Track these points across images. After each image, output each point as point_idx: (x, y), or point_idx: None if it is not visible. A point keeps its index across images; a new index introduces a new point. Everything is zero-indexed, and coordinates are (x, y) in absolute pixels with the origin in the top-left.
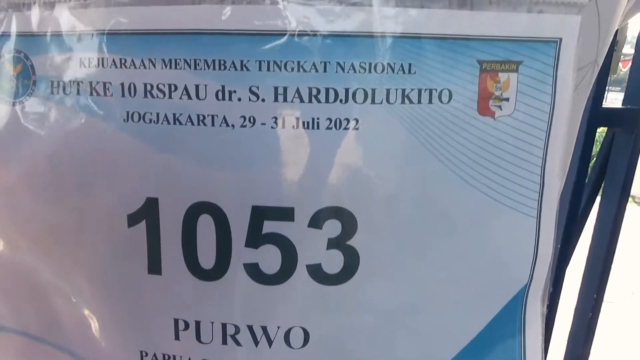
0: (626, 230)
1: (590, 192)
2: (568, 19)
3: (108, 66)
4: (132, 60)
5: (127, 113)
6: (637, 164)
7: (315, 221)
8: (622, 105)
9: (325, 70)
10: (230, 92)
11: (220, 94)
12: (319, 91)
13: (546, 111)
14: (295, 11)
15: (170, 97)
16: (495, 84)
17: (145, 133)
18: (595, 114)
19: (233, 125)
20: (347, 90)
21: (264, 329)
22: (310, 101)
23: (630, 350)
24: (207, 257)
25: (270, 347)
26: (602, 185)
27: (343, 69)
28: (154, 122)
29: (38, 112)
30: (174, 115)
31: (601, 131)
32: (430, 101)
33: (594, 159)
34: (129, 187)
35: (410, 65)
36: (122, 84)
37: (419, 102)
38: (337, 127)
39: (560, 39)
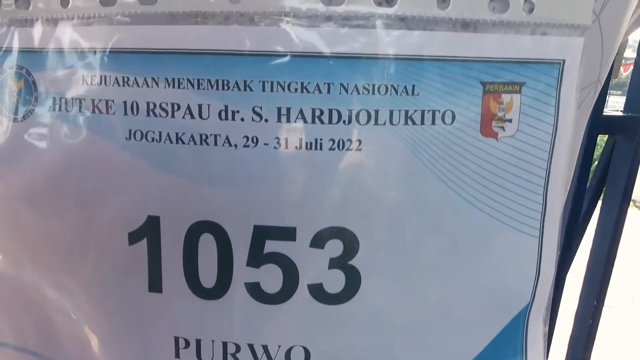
0: (626, 234)
1: (590, 199)
2: (571, 40)
3: (111, 84)
4: (135, 79)
5: (130, 131)
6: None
7: (317, 241)
8: (623, 112)
9: (328, 92)
10: (233, 112)
11: (223, 113)
12: (322, 112)
13: (549, 132)
14: (299, 32)
15: (173, 116)
16: (498, 105)
17: (147, 152)
18: (597, 121)
19: (236, 145)
20: (350, 112)
21: (265, 347)
22: (313, 122)
23: (631, 355)
24: (208, 276)
25: None
26: (603, 192)
27: (347, 90)
28: (157, 140)
29: (40, 129)
30: (177, 134)
31: (602, 135)
32: (433, 122)
33: (595, 161)
34: (130, 205)
35: (413, 86)
36: (125, 102)
37: (422, 123)
38: (340, 148)
39: (564, 61)
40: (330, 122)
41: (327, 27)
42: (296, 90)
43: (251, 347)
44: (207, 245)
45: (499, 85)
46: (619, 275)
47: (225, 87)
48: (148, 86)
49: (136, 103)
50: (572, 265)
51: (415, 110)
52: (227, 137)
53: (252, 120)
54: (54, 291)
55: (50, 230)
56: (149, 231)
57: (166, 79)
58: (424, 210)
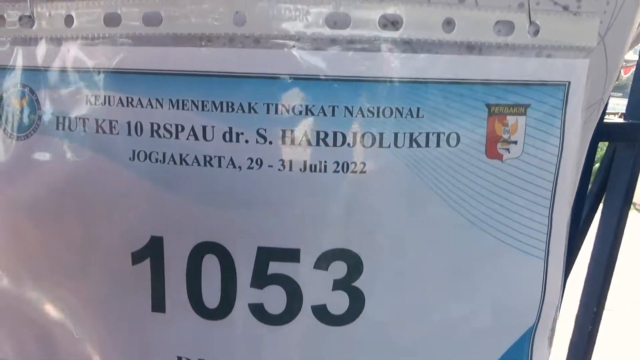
0: (626, 237)
1: (591, 206)
2: (576, 62)
3: (115, 104)
4: (139, 99)
5: (134, 152)
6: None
7: (321, 262)
8: (624, 119)
9: (333, 114)
10: (237, 134)
11: (227, 135)
12: (326, 134)
13: (554, 153)
14: (304, 56)
15: (177, 137)
16: (504, 127)
17: (151, 172)
18: (597, 128)
19: (240, 167)
20: (354, 134)
21: None
22: (317, 144)
23: (630, 358)
24: (211, 296)
25: None
26: (604, 198)
27: (351, 113)
28: (160, 161)
29: (43, 147)
30: (181, 155)
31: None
32: (437, 145)
33: (596, 163)
34: (133, 225)
35: (418, 109)
36: (129, 123)
37: (427, 145)
38: (344, 170)
39: (569, 82)
40: (334, 144)
41: (332, 51)
42: (301, 112)
43: None
44: (211, 266)
45: (504, 107)
46: (618, 278)
47: (230, 109)
48: (152, 107)
49: (140, 123)
50: (572, 269)
51: (419, 133)
52: (231, 159)
53: (257, 142)
54: (56, 309)
55: (53, 249)
56: (152, 251)
57: (170, 100)
58: (428, 231)
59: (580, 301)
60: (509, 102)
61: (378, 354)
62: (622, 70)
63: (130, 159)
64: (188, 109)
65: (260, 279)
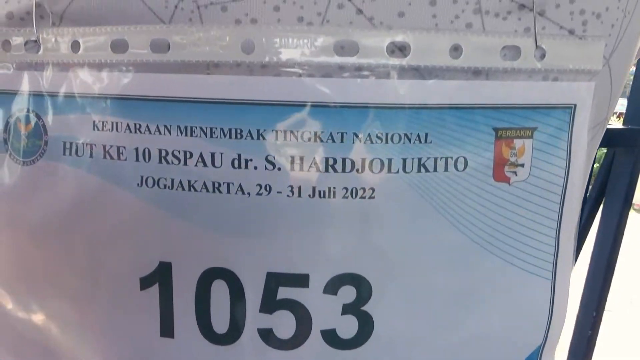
0: (625, 238)
1: (590, 211)
2: (582, 85)
3: (122, 130)
4: (147, 126)
5: (142, 178)
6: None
7: (331, 287)
8: (623, 125)
9: (342, 141)
10: (246, 161)
11: (236, 162)
12: (335, 161)
13: (561, 175)
14: (313, 82)
15: (185, 163)
16: (511, 150)
17: (159, 198)
18: None
19: (249, 193)
20: (363, 160)
21: None
22: (326, 170)
23: (629, 359)
24: (220, 322)
25: None
26: (603, 203)
27: (360, 140)
28: (169, 187)
29: (49, 173)
30: (189, 182)
31: None
32: (446, 169)
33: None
34: (141, 250)
35: (426, 135)
36: (137, 149)
37: (435, 170)
38: (353, 196)
39: (575, 105)
40: (343, 170)
41: (340, 78)
42: (309, 139)
43: None
44: (220, 291)
45: (511, 130)
46: (617, 279)
47: (239, 136)
48: (160, 133)
49: (148, 150)
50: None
51: (428, 158)
52: (240, 185)
53: (265, 168)
54: (62, 334)
55: (60, 274)
56: (160, 277)
57: (178, 127)
58: (436, 255)
59: (580, 305)
60: (515, 125)
61: None
62: None
63: (138, 184)
64: (196, 136)
65: (270, 304)
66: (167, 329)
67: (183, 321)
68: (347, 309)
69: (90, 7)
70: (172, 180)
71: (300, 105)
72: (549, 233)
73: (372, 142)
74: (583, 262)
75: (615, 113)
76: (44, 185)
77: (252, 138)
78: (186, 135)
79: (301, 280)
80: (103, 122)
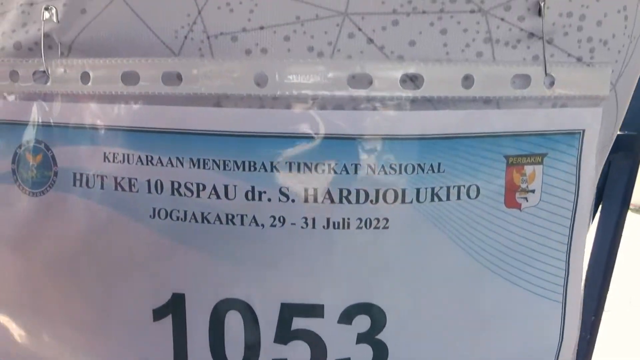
0: (623, 238)
1: None
2: (590, 111)
3: (134, 162)
4: (159, 158)
5: (154, 210)
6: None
7: (345, 317)
8: (620, 130)
9: (356, 172)
10: (260, 193)
11: (249, 194)
12: (349, 192)
13: (570, 200)
14: (327, 115)
15: (198, 195)
16: (522, 176)
17: (172, 230)
18: None
19: (263, 225)
20: (377, 191)
21: None
22: (340, 202)
23: (628, 359)
24: (235, 353)
25: None
26: (600, 209)
27: (374, 171)
28: (182, 219)
29: (59, 204)
30: (202, 214)
31: None
32: (458, 197)
33: None
34: (154, 282)
35: (439, 164)
36: (149, 181)
37: (448, 199)
38: (367, 227)
39: (583, 130)
40: (357, 201)
41: (354, 110)
42: (323, 171)
43: None
44: (234, 323)
45: (521, 157)
46: (615, 278)
47: (252, 168)
48: (172, 165)
49: (160, 182)
50: None
51: (441, 187)
52: (254, 217)
53: (279, 200)
54: None
55: (72, 305)
56: (174, 308)
57: (191, 159)
58: (450, 282)
59: None
60: (526, 152)
61: None
62: None
63: (150, 216)
64: (209, 168)
65: (284, 334)
66: None
67: (196, 353)
68: (361, 338)
69: (99, 37)
70: (185, 212)
71: (313, 138)
72: (559, 257)
73: (385, 173)
74: None
75: None
76: (54, 216)
77: (266, 170)
78: (199, 167)
79: (316, 311)
80: (114, 154)
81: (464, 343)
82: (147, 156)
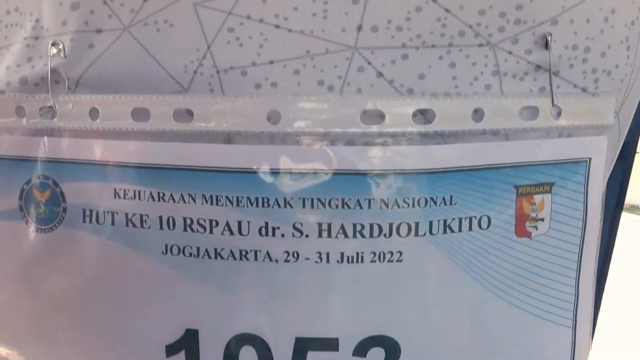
0: (619, 239)
1: None
2: (596, 139)
3: (145, 199)
4: (171, 195)
5: (166, 246)
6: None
7: (360, 349)
8: None
9: (369, 207)
10: (273, 229)
11: (263, 230)
12: (363, 227)
13: (579, 226)
14: (340, 151)
15: (211, 232)
16: (531, 206)
17: (185, 266)
18: None
19: (276, 260)
20: (391, 225)
21: None
22: (354, 236)
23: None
24: None
25: None
26: None
27: (387, 205)
28: (194, 255)
29: (68, 240)
30: (215, 250)
31: None
32: (470, 228)
33: None
34: (167, 318)
35: (451, 197)
36: (161, 217)
37: (460, 230)
38: (381, 260)
39: (590, 159)
40: (371, 236)
41: (366, 146)
42: (337, 206)
43: None
44: (248, 358)
45: (531, 187)
46: (610, 279)
47: (266, 204)
48: (185, 202)
49: (172, 218)
50: None
51: (453, 219)
52: (267, 253)
53: (293, 235)
54: None
55: (84, 340)
56: (187, 344)
57: (204, 196)
58: (462, 311)
59: None
60: (535, 182)
61: None
62: None
63: (162, 252)
64: (222, 205)
65: None
66: None
67: None
68: None
69: (107, 72)
70: (198, 249)
71: (325, 173)
72: (569, 282)
73: (398, 207)
74: None
75: None
76: (64, 253)
77: (279, 206)
78: (211, 204)
79: (330, 344)
80: (125, 190)
81: None
82: (158, 193)
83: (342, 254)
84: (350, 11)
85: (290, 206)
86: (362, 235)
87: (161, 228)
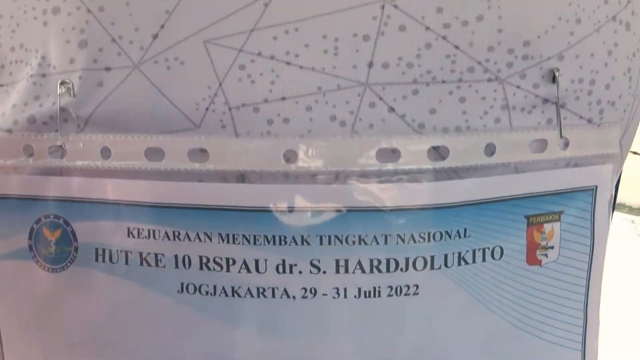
0: (616, 242)
1: None
2: (601, 168)
3: (160, 238)
4: (187, 234)
5: (182, 284)
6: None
7: None
8: None
9: (386, 242)
10: (291, 266)
11: (280, 267)
12: (379, 262)
13: (586, 252)
14: (356, 189)
15: (228, 270)
16: (541, 234)
17: (201, 304)
18: None
19: (294, 297)
20: (407, 260)
21: None
22: (371, 272)
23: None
24: None
25: None
26: None
27: (403, 240)
28: (211, 294)
29: (81, 280)
30: (233, 288)
31: None
32: (483, 259)
33: None
34: (183, 356)
35: (465, 230)
36: (176, 256)
37: (474, 262)
38: (398, 294)
39: (596, 187)
40: (387, 270)
41: (382, 183)
42: (354, 242)
43: None
44: None
45: (540, 216)
46: (605, 281)
47: (283, 242)
48: (200, 241)
49: (188, 257)
50: None
51: (467, 251)
52: (285, 290)
53: (310, 272)
54: None
55: None
56: None
57: (220, 234)
58: (476, 341)
59: None
60: (544, 211)
61: None
62: None
63: (178, 291)
64: (239, 243)
65: None
66: None
67: None
68: None
69: (117, 110)
70: (215, 287)
71: (343, 211)
72: (577, 307)
73: (415, 242)
74: None
75: None
76: (76, 293)
77: (297, 244)
78: (228, 242)
79: None
80: (139, 230)
81: None
82: (174, 232)
83: (359, 289)
84: (361, 48)
85: (308, 243)
86: (379, 270)
87: (177, 267)
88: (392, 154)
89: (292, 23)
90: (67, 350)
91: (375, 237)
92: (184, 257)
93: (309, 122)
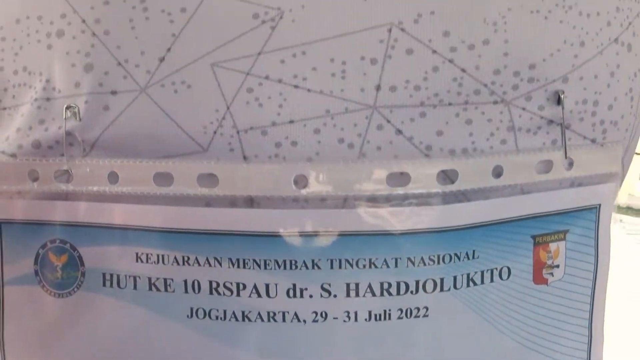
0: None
1: None
2: (605, 187)
3: (169, 263)
4: (197, 258)
5: (191, 309)
6: None
7: None
8: None
9: (396, 266)
10: (301, 290)
11: (291, 291)
12: (390, 285)
13: (591, 270)
14: (366, 213)
15: (238, 295)
16: (547, 254)
17: (211, 329)
18: None
19: (305, 321)
20: (417, 282)
21: None
22: (382, 295)
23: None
24: None
25: None
26: None
27: (413, 263)
28: (221, 319)
29: (88, 305)
30: (243, 312)
31: None
32: (491, 280)
33: None
34: None
35: (474, 251)
36: (185, 281)
37: (482, 282)
38: (408, 316)
39: (600, 205)
40: (398, 293)
41: (392, 207)
42: (364, 266)
43: None
44: None
45: (546, 236)
46: None
47: (293, 267)
48: (210, 265)
49: (198, 282)
50: None
51: (475, 272)
52: (295, 314)
53: (321, 296)
54: None
55: None
56: None
57: (230, 259)
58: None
59: None
60: (550, 230)
61: None
62: None
63: (188, 316)
64: (249, 268)
65: None
66: None
67: None
68: None
69: (123, 134)
70: (225, 312)
71: (353, 235)
72: (583, 323)
73: (425, 265)
74: None
75: None
76: (83, 318)
77: (307, 268)
78: (238, 267)
79: None
80: (147, 255)
81: None
82: (183, 257)
83: (369, 312)
84: (369, 72)
85: (318, 267)
86: (390, 293)
87: (186, 292)
88: (401, 177)
89: (299, 46)
90: None
91: (385, 260)
92: (193, 282)
93: (317, 145)
